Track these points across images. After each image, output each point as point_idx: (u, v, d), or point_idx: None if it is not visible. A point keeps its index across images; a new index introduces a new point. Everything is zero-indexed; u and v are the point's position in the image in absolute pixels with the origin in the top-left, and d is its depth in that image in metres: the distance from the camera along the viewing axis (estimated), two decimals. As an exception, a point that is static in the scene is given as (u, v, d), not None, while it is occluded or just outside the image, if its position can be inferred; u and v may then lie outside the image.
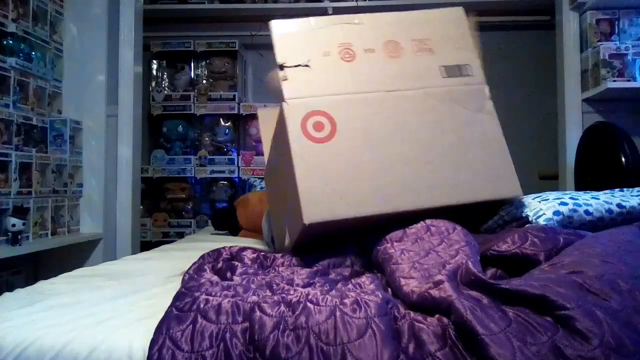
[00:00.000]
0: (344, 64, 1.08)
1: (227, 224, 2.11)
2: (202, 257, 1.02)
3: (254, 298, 0.72)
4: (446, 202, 1.00)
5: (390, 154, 1.02)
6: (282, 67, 1.05)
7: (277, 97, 1.04)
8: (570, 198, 1.12)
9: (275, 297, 0.72)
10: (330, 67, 1.07)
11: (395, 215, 0.99)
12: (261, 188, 2.64)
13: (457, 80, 1.10)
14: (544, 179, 2.80)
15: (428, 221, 0.97)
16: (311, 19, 1.13)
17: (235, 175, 3.24)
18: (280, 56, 1.06)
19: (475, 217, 1.10)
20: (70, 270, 1.20)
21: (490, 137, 1.06)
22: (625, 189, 1.25)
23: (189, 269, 0.96)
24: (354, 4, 3.19)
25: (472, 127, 1.06)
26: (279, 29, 1.09)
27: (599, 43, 2.30)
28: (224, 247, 1.05)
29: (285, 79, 1.04)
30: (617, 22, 2.37)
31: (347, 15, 1.15)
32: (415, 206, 0.99)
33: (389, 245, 0.92)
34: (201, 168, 3.23)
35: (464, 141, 1.05)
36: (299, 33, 1.10)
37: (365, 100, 1.06)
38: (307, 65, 1.06)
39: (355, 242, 1.03)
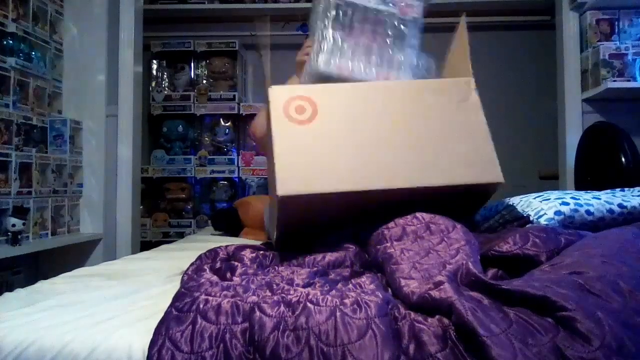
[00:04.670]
0: None
1: (227, 224, 2.12)
2: (200, 257, 1.01)
3: (254, 298, 0.72)
4: (423, 183, 1.01)
5: (370, 136, 1.04)
6: None
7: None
8: (572, 198, 1.12)
9: (275, 297, 0.71)
10: None
11: (375, 196, 1.00)
12: (258, 187, 2.64)
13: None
14: (544, 179, 2.80)
15: (427, 218, 0.97)
16: None
17: (235, 175, 3.24)
18: None
19: (462, 208, 1.11)
20: (70, 270, 1.20)
21: (474, 126, 1.07)
22: (626, 189, 1.26)
23: (187, 269, 0.96)
24: (354, 3, 3.18)
25: (456, 115, 1.07)
26: None
27: (599, 43, 2.30)
28: (220, 247, 1.05)
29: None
30: (617, 22, 2.37)
31: None
32: (392, 185, 1.00)
33: (388, 244, 0.92)
34: (201, 168, 3.23)
35: (446, 128, 1.06)
36: None
37: (348, 88, 1.11)
38: None
39: (350, 234, 1.04)
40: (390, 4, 1.25)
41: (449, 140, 1.05)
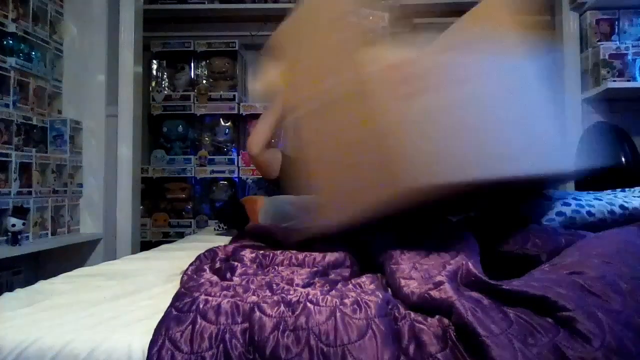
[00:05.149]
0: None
1: (234, 217, 2.13)
2: (199, 257, 1.01)
3: (254, 298, 0.72)
4: (531, 170, 0.94)
5: (482, 119, 0.93)
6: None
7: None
8: (574, 199, 1.12)
9: (275, 297, 0.71)
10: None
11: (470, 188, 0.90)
12: (259, 189, 2.63)
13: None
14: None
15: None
16: None
17: (235, 175, 3.24)
18: None
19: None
20: (70, 270, 1.20)
21: (549, 107, 1.05)
22: (627, 189, 1.26)
23: (187, 269, 0.96)
24: (354, 4, 3.18)
25: (537, 96, 1.04)
26: None
27: (599, 43, 2.30)
28: (218, 247, 1.05)
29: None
30: (617, 22, 2.37)
31: None
32: (511, 174, 0.89)
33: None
34: (201, 168, 3.23)
35: (533, 110, 1.01)
36: None
37: (446, 60, 0.99)
38: None
39: (354, 241, 1.03)
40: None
41: (537, 125, 0.99)
